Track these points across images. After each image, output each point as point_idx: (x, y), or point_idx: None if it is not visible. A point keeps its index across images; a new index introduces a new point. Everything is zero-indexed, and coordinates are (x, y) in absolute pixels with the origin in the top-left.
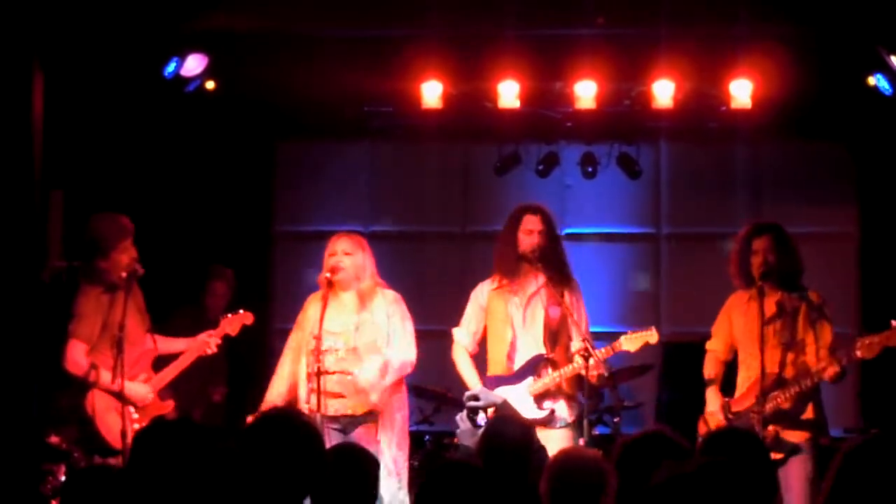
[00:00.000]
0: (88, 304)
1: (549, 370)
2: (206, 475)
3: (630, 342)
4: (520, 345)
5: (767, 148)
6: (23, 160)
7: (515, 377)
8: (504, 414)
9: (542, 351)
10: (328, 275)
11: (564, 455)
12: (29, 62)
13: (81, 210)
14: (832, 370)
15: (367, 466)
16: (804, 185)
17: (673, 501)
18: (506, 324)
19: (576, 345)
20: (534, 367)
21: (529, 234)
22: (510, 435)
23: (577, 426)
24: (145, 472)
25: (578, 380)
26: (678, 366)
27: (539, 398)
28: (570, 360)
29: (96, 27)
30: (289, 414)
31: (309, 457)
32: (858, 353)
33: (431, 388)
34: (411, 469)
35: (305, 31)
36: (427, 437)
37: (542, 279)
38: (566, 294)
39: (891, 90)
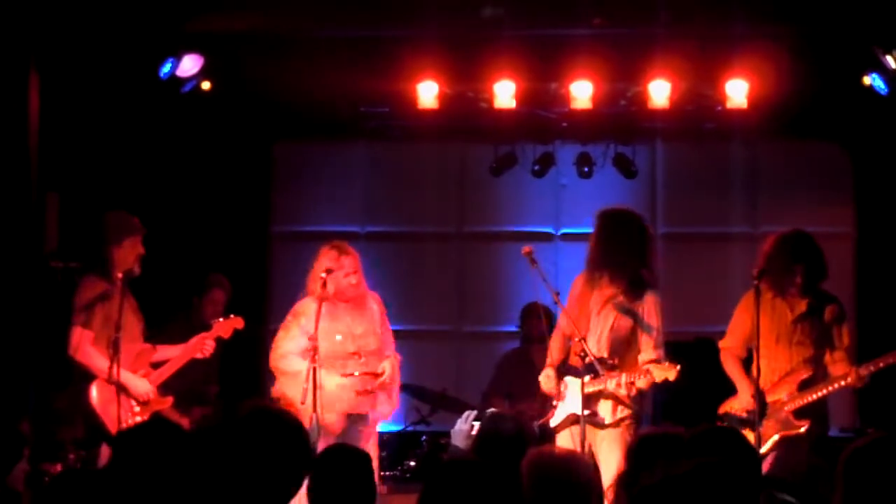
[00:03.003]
0: (91, 294)
1: (605, 375)
2: (191, 475)
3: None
4: (589, 341)
5: (764, 148)
6: (19, 162)
7: (581, 371)
8: (498, 412)
9: (603, 353)
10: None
11: (544, 455)
12: (25, 63)
13: (77, 212)
14: (854, 380)
15: (362, 465)
16: (800, 185)
17: (666, 502)
18: (585, 316)
19: (644, 356)
20: (596, 367)
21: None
22: (505, 431)
23: (626, 427)
24: (127, 473)
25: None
26: None
27: (588, 397)
28: (633, 368)
29: (92, 28)
30: (273, 409)
31: (294, 452)
32: None
33: (428, 388)
34: (409, 469)
35: (301, 31)
36: (424, 437)
37: (620, 284)
38: (639, 305)
39: (887, 90)
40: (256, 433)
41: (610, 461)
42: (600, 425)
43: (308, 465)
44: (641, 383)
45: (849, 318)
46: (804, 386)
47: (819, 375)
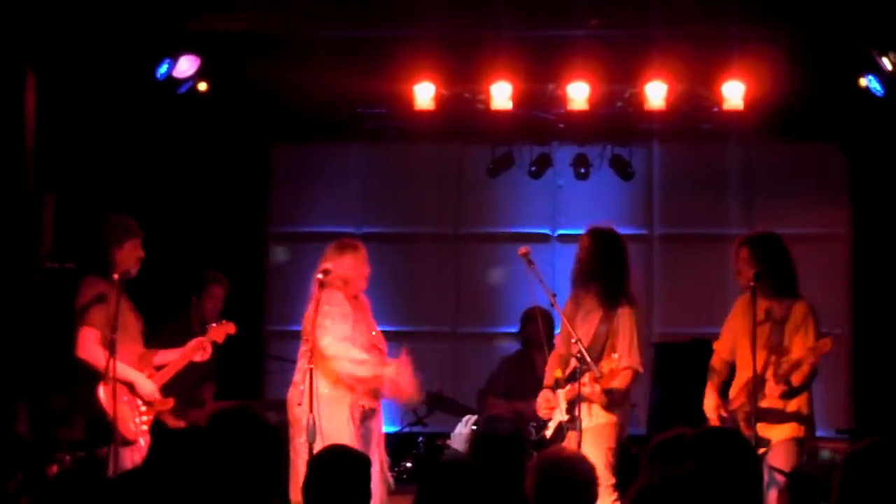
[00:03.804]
0: (95, 293)
1: (582, 380)
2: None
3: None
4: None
5: (760, 149)
6: (15, 162)
7: (566, 381)
8: (495, 413)
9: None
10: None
11: (550, 455)
12: (21, 64)
13: (74, 212)
14: (779, 390)
15: (359, 467)
16: (797, 187)
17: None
18: (570, 331)
19: (623, 362)
20: (574, 375)
21: (578, 255)
22: (502, 433)
23: (601, 430)
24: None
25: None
26: (670, 366)
27: (571, 403)
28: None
29: (88, 29)
30: (245, 411)
31: (266, 453)
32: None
33: (425, 389)
34: (405, 470)
35: (298, 32)
36: (420, 438)
37: (601, 299)
38: (615, 317)
39: (883, 91)
40: (224, 436)
41: None
42: (580, 428)
43: (277, 467)
44: (616, 383)
45: (845, 317)
46: (754, 392)
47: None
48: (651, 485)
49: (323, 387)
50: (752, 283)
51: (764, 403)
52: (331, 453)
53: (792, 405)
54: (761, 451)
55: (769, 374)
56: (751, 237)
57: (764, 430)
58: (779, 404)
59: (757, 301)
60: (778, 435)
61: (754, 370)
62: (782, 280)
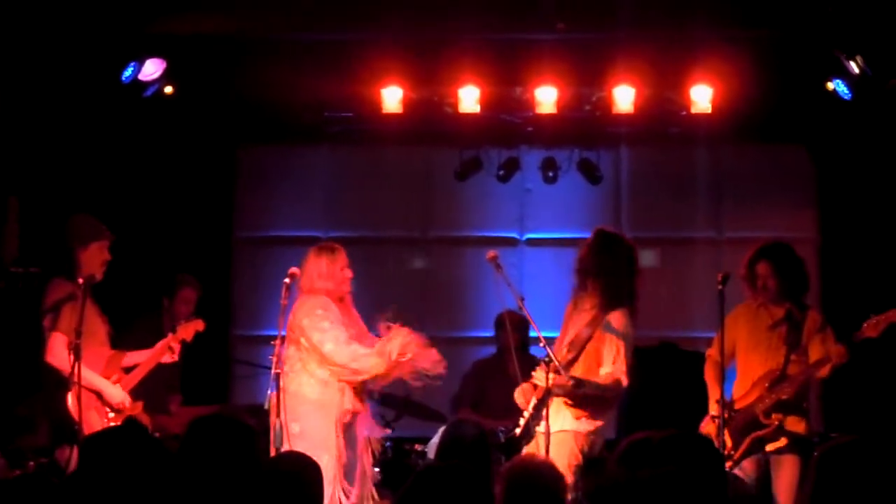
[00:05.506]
0: (59, 297)
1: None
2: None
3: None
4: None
5: (728, 152)
6: None
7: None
8: (460, 418)
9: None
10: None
11: (518, 462)
12: None
13: (38, 217)
14: (825, 368)
15: (309, 475)
16: (764, 190)
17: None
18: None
19: (602, 369)
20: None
21: (578, 254)
22: (466, 437)
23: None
24: (87, 478)
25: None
26: (637, 369)
27: (543, 406)
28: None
29: (52, 30)
30: (224, 417)
31: (243, 459)
32: (867, 333)
33: (393, 394)
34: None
35: (264, 35)
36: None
37: (596, 297)
38: (609, 316)
39: (850, 95)
40: (208, 441)
41: None
42: (541, 430)
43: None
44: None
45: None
46: (774, 385)
47: (796, 375)
48: (612, 483)
49: (311, 391)
50: (720, 287)
51: (785, 396)
52: (285, 460)
53: (808, 401)
54: (779, 443)
55: (791, 370)
56: (768, 248)
57: (786, 421)
58: (798, 399)
59: (776, 306)
60: (800, 427)
61: (722, 372)
62: (801, 290)
